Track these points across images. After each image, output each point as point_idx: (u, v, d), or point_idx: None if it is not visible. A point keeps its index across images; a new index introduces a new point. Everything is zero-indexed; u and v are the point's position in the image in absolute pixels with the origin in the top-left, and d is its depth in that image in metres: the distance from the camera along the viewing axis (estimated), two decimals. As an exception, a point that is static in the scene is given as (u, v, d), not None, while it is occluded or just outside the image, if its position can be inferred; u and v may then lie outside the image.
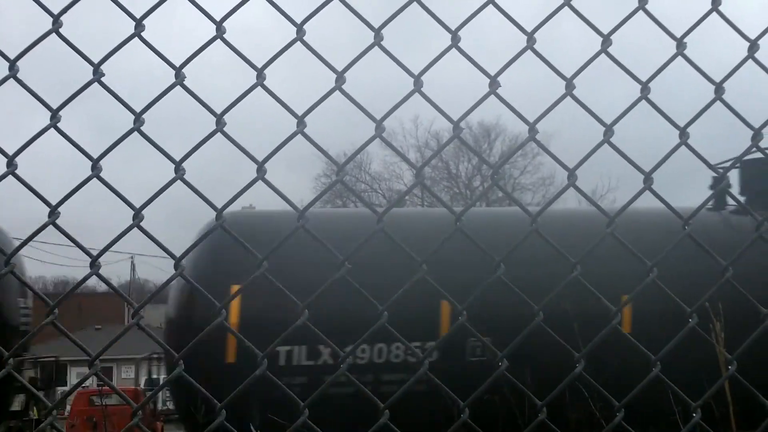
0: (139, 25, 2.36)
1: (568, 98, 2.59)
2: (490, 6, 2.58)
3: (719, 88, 2.63)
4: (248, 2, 2.52)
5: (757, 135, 2.63)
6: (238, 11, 2.51)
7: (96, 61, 2.33)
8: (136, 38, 2.37)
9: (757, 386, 2.56)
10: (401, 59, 2.50)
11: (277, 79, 2.60)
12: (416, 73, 2.48)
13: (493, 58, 2.63)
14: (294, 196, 2.67)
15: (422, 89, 2.48)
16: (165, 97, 2.38)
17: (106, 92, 2.34)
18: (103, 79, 2.31)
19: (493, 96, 2.53)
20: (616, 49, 2.60)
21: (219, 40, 2.43)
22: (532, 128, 2.57)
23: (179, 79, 2.36)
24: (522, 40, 2.60)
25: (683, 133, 2.59)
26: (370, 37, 2.50)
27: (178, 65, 2.39)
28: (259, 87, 2.44)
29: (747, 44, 2.69)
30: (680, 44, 2.63)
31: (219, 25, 2.43)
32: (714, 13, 2.69)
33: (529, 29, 2.58)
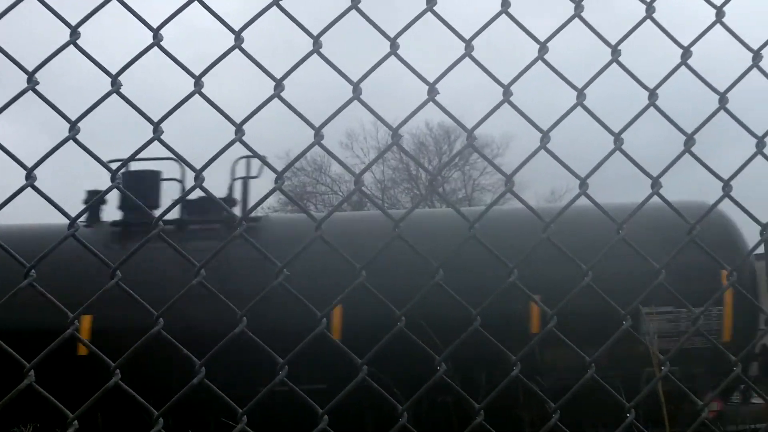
0: (74, 32, 2.36)
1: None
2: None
3: (652, 95, 2.69)
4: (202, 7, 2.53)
5: (689, 140, 2.69)
6: (215, 16, 2.52)
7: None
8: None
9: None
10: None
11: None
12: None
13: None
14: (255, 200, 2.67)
15: (399, 91, 2.51)
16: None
17: (69, 96, 2.35)
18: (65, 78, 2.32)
19: (455, 99, 2.58)
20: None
21: (156, 47, 2.44)
22: (470, 135, 2.61)
23: (115, 87, 2.36)
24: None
25: (617, 139, 2.63)
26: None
27: (114, 73, 2.39)
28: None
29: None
30: (615, 51, 2.68)
31: (156, 33, 2.43)
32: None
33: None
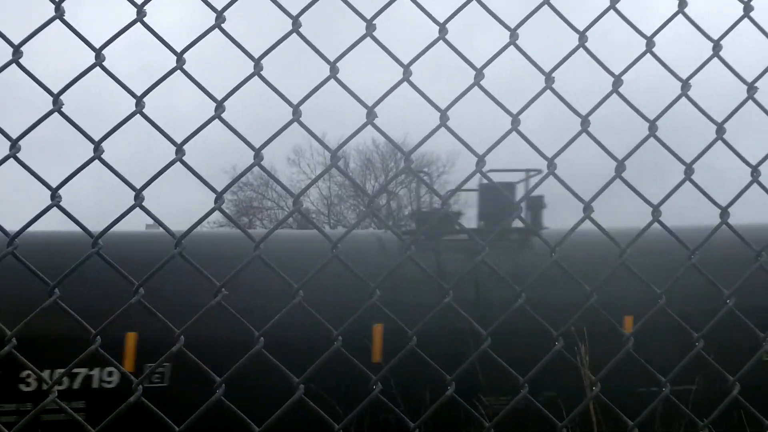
0: (17, 52, 2.37)
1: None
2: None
3: (585, 121, 2.76)
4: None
5: (620, 167, 2.77)
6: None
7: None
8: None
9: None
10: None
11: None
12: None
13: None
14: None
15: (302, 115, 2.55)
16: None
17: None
18: None
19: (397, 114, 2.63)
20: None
21: (98, 66, 2.45)
22: (407, 158, 2.66)
23: (56, 106, 2.37)
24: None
25: (551, 164, 2.71)
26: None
27: (56, 92, 2.41)
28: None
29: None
30: (548, 78, 2.75)
31: (98, 53, 2.45)
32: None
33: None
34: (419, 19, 2.79)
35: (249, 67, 2.58)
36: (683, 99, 2.92)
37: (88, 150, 2.44)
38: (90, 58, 2.48)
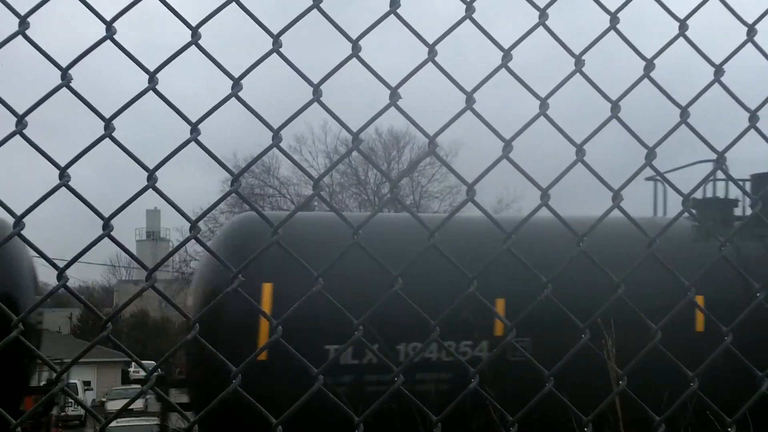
0: (24, 22, 2.27)
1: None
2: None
3: (615, 106, 2.67)
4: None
5: (650, 153, 2.67)
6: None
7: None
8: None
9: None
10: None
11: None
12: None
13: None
14: (203, 200, 2.58)
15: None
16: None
17: None
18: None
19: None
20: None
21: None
22: (432, 141, 2.56)
23: (65, 80, 2.27)
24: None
25: (579, 150, 2.60)
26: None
27: (65, 66, 2.31)
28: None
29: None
30: (578, 61, 2.65)
31: (109, 26, 2.34)
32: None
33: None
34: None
35: (254, 45, 2.48)
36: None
37: (96, 129, 2.32)
38: (99, 31, 2.37)
